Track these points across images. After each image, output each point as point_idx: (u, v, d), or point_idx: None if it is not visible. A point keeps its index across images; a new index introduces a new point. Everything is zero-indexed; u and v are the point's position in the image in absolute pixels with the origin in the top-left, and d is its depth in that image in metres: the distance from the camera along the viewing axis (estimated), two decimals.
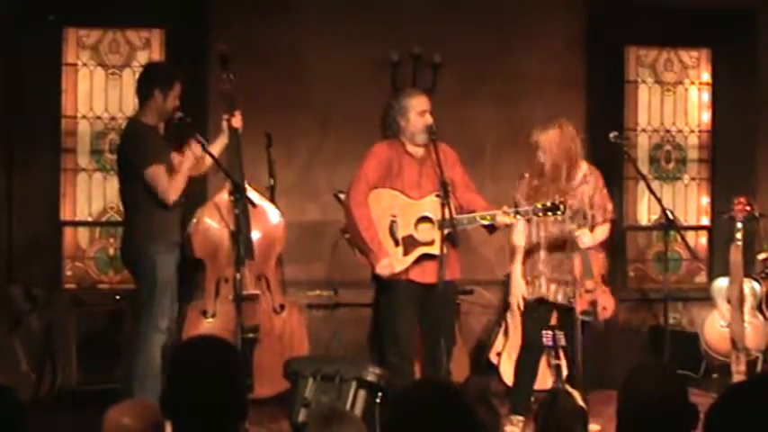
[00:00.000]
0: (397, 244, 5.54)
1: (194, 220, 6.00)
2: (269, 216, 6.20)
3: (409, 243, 5.52)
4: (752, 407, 2.54)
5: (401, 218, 5.55)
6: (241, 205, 5.68)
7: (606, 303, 5.68)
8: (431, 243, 5.47)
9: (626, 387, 3.01)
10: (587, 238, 5.50)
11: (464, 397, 2.69)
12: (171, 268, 5.48)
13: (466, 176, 5.74)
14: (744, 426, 2.52)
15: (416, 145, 5.61)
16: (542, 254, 5.66)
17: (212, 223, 6.00)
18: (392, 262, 5.50)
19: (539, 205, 5.38)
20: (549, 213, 5.37)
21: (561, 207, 5.34)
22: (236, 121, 5.84)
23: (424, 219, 5.52)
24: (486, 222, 5.46)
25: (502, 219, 5.40)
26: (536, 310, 5.73)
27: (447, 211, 5.29)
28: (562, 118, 5.72)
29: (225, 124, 5.84)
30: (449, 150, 5.72)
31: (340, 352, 7.05)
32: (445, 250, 5.36)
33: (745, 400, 2.57)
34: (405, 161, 5.60)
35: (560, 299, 5.66)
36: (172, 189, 5.39)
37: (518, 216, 5.41)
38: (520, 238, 5.70)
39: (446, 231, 5.33)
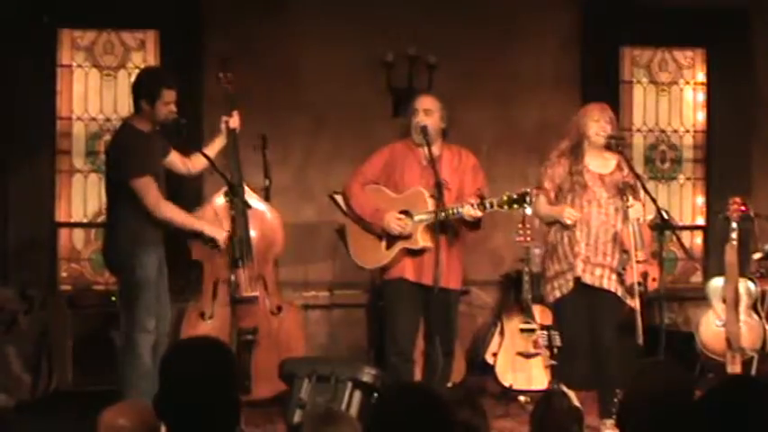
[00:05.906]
0: (380, 238, 5.54)
1: None
2: (267, 217, 6.18)
3: (391, 237, 5.51)
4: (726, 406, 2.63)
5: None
6: (237, 207, 5.66)
7: (654, 275, 5.64)
8: (409, 237, 5.45)
9: (633, 384, 3.05)
10: (637, 210, 5.49)
11: (443, 401, 2.73)
12: (153, 268, 5.35)
13: (477, 182, 5.57)
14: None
15: (418, 144, 5.57)
16: (584, 234, 5.56)
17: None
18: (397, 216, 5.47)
19: (504, 197, 5.26)
20: (515, 206, 5.27)
21: (528, 198, 5.24)
22: (234, 122, 5.83)
23: (405, 214, 5.49)
24: (453, 215, 5.32)
25: (468, 210, 5.29)
26: (570, 300, 5.60)
27: (441, 210, 5.28)
28: None
29: (223, 126, 5.82)
30: (465, 155, 5.63)
31: (343, 353, 7.07)
32: (443, 256, 5.32)
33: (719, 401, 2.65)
34: (409, 160, 5.58)
35: (588, 280, 5.55)
36: (163, 208, 5.28)
37: (485, 209, 5.29)
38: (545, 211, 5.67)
39: (429, 223, 5.34)
